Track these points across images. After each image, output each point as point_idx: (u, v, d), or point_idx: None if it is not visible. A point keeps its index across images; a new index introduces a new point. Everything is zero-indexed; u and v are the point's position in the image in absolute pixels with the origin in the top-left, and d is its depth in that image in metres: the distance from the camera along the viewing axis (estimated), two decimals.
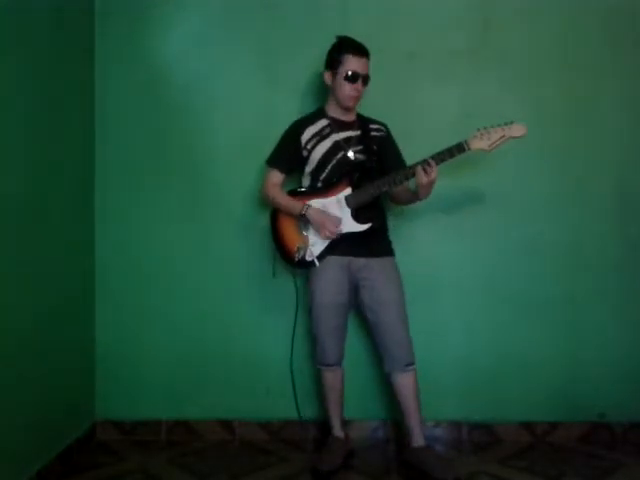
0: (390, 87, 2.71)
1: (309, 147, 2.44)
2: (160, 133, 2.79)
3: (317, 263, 2.39)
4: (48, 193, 2.35)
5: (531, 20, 2.74)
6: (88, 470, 2.42)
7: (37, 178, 2.27)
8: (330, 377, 2.48)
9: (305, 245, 2.41)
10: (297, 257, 2.42)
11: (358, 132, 2.46)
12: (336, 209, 2.38)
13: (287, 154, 2.48)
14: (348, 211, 2.37)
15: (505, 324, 2.75)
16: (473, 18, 2.75)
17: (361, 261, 2.39)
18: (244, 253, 2.78)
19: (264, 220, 2.64)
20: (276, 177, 2.49)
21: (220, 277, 2.79)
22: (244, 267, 2.78)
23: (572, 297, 2.75)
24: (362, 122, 2.50)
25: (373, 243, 2.40)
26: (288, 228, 2.46)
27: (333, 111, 2.47)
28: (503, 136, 2.28)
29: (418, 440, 2.38)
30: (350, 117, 2.49)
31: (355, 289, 2.42)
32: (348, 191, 2.38)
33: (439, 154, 2.28)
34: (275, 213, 2.50)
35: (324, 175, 2.43)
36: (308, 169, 2.47)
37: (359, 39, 2.40)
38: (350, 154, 2.42)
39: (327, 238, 2.36)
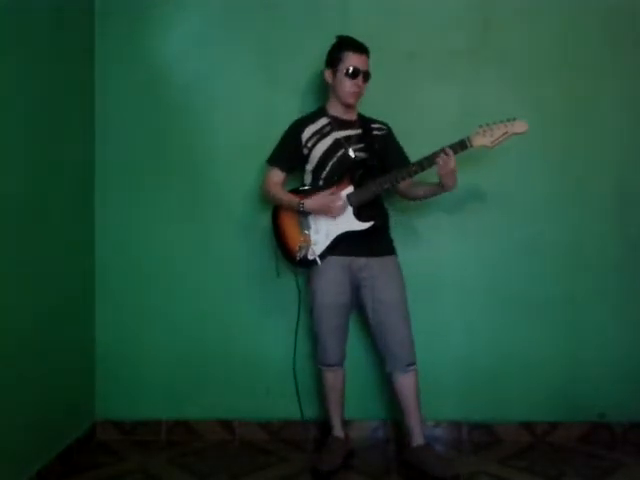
0: (390, 87, 2.71)
1: (309, 145, 2.44)
2: (160, 133, 2.79)
3: (319, 262, 2.39)
4: (48, 193, 2.35)
5: (531, 20, 2.75)
6: (88, 470, 2.42)
7: (37, 178, 2.27)
8: (331, 377, 2.48)
9: (307, 244, 2.41)
10: (299, 256, 2.42)
11: (359, 131, 2.46)
12: None
13: (288, 153, 2.48)
14: (350, 209, 2.37)
15: (505, 324, 2.75)
16: (473, 18, 2.75)
17: (362, 261, 2.38)
18: (244, 253, 2.78)
19: (264, 220, 2.64)
20: (277, 176, 2.49)
21: (220, 277, 2.79)
22: (244, 267, 2.78)
23: (572, 297, 2.75)
24: (363, 121, 2.50)
25: (374, 242, 2.40)
26: (290, 227, 2.46)
27: (334, 110, 2.47)
28: (506, 132, 2.28)
29: (418, 439, 2.38)
30: (351, 116, 2.49)
31: (357, 289, 2.42)
32: (350, 189, 2.38)
33: (442, 150, 2.28)
34: (276, 212, 2.50)
35: (325, 173, 2.43)
36: (309, 167, 2.47)
37: (359, 39, 2.40)
38: (351, 152, 2.42)
39: (339, 214, 2.35)
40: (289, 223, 2.46)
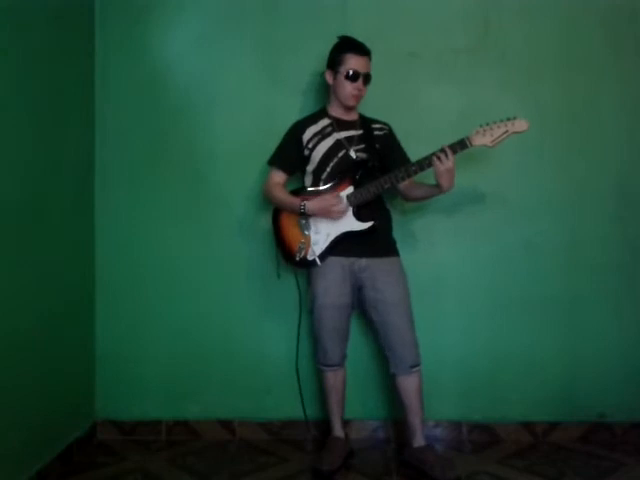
0: (390, 87, 2.71)
1: (310, 146, 2.44)
2: (160, 133, 2.79)
3: (319, 262, 2.39)
4: (48, 193, 2.35)
5: (531, 20, 2.74)
6: (88, 470, 2.42)
7: (37, 178, 2.27)
8: (331, 377, 2.48)
9: (307, 244, 2.41)
10: (298, 256, 2.41)
11: (360, 131, 2.46)
12: None
13: (288, 154, 2.48)
14: (350, 209, 2.37)
15: (505, 324, 2.75)
16: (473, 18, 2.75)
17: (363, 261, 2.38)
18: (244, 253, 2.78)
19: (265, 220, 2.64)
20: (278, 177, 2.49)
21: (220, 277, 2.78)
22: (244, 267, 2.78)
23: (572, 297, 2.74)
24: (364, 122, 2.49)
25: (376, 243, 2.40)
26: (290, 227, 2.45)
27: (335, 111, 2.47)
28: (506, 131, 2.28)
29: (419, 440, 2.38)
30: (352, 117, 2.49)
31: (358, 290, 2.42)
32: (350, 189, 2.37)
33: (441, 149, 2.28)
34: (277, 212, 2.50)
35: (326, 174, 2.43)
36: (310, 168, 2.47)
37: (359, 39, 2.40)
38: (352, 153, 2.42)
39: (340, 216, 2.34)
40: (289, 224, 2.46)
